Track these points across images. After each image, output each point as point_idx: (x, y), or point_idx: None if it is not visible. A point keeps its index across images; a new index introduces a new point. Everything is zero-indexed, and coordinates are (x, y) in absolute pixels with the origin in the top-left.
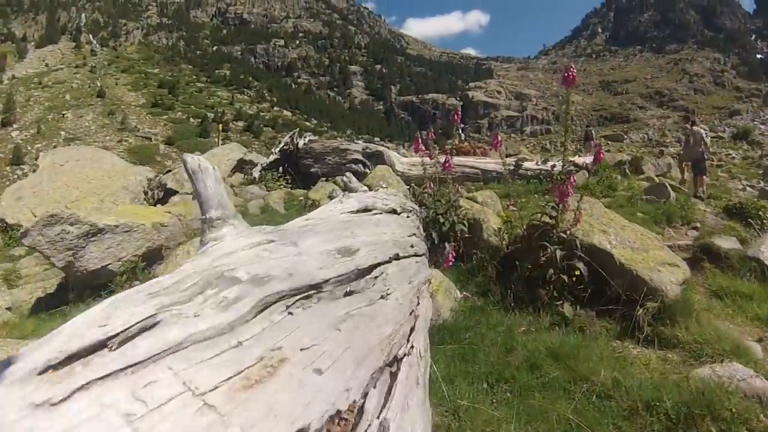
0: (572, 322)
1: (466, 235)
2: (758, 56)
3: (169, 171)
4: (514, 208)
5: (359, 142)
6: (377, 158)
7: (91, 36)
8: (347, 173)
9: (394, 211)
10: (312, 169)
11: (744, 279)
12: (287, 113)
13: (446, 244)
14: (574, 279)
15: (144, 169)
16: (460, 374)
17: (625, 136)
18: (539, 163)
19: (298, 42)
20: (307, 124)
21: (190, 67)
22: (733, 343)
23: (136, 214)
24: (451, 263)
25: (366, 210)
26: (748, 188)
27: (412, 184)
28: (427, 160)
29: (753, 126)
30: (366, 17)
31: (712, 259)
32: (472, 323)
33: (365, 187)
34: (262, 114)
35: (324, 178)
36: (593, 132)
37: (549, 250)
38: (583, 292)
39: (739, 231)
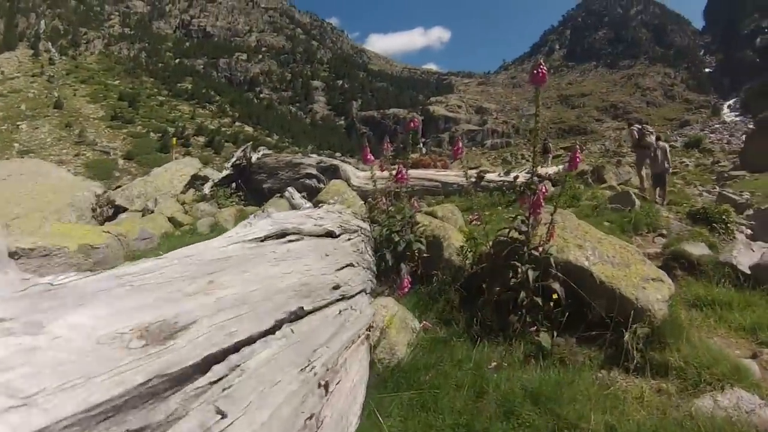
0: (550, 353)
1: (425, 255)
2: (706, 70)
3: (119, 186)
4: (478, 223)
5: (314, 156)
6: (333, 173)
7: (50, 44)
8: (289, 188)
9: (329, 234)
10: (265, 185)
11: (720, 286)
12: (249, 128)
13: (402, 266)
14: (551, 303)
15: (93, 185)
16: (419, 429)
17: (584, 147)
18: (501, 175)
19: (260, 56)
20: (269, 139)
21: (151, 79)
22: (731, 364)
23: (65, 234)
24: (406, 290)
25: (281, 235)
26: (704, 193)
27: (369, 199)
28: (379, 172)
29: (703, 135)
30: (329, 32)
31: (684, 266)
32: (434, 360)
33: (309, 204)
34: (223, 129)
35: (279, 195)
36: (551, 144)
37: (520, 270)
38: (561, 316)
39: (706, 236)
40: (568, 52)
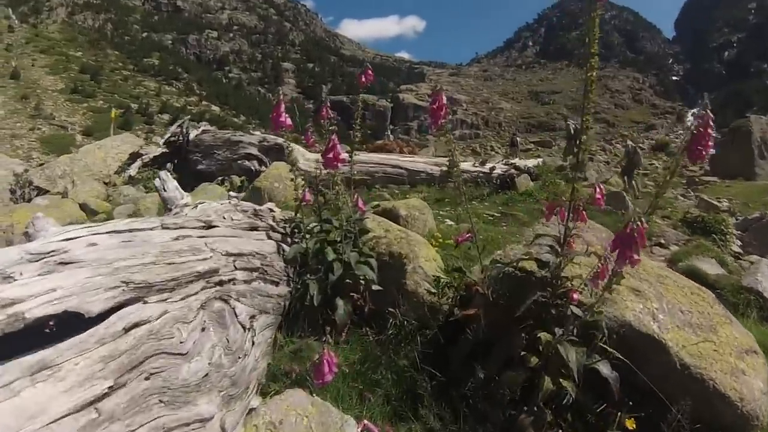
0: None
1: (375, 287)
2: (674, 78)
3: (42, 165)
4: (465, 238)
5: (256, 133)
6: (277, 153)
7: (10, 10)
8: (162, 172)
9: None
10: (199, 166)
11: (747, 318)
12: (216, 108)
13: (338, 303)
14: (595, 397)
15: (12, 162)
16: None
17: (554, 143)
18: (477, 165)
19: (231, 35)
20: (236, 120)
21: (116, 53)
22: None
23: None
24: (329, 378)
25: None
26: (680, 197)
27: (321, 187)
28: (306, 153)
29: (669, 139)
30: (303, 15)
31: None
32: None
33: (187, 199)
34: (189, 108)
35: (220, 178)
36: (518, 138)
37: (543, 338)
38: (611, 425)
39: (714, 250)
40: (541, 50)
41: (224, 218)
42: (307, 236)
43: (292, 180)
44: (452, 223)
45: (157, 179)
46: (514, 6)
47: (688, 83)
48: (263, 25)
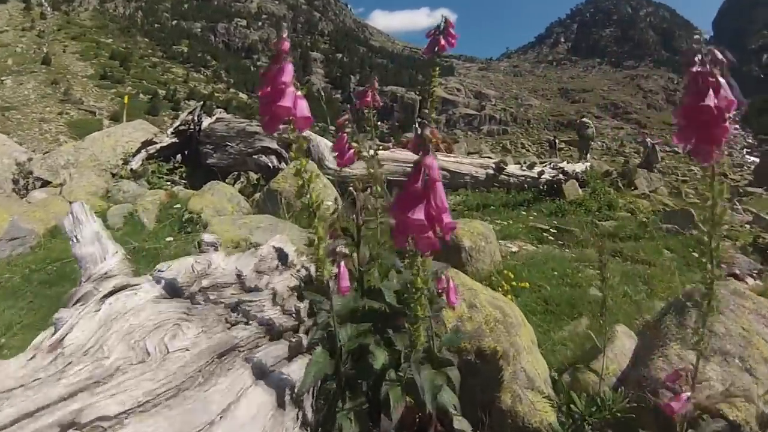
0: None
1: (458, 422)
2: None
3: (47, 152)
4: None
5: None
6: None
7: None
8: (76, 205)
9: None
10: (210, 160)
11: None
12: (243, 96)
13: None
14: None
15: (16, 149)
16: None
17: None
18: (525, 168)
19: (260, 23)
20: None
21: (146, 40)
22: None
23: None
24: None
25: None
26: (727, 210)
27: (357, 192)
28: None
29: None
30: (332, 5)
31: None
32: None
33: (112, 261)
34: (216, 95)
35: (235, 174)
36: (556, 141)
37: None
38: None
39: None
40: (572, 47)
41: (148, 354)
42: (338, 327)
43: (312, 235)
44: (515, 248)
45: (67, 217)
46: (546, 1)
47: None
48: (292, 14)
